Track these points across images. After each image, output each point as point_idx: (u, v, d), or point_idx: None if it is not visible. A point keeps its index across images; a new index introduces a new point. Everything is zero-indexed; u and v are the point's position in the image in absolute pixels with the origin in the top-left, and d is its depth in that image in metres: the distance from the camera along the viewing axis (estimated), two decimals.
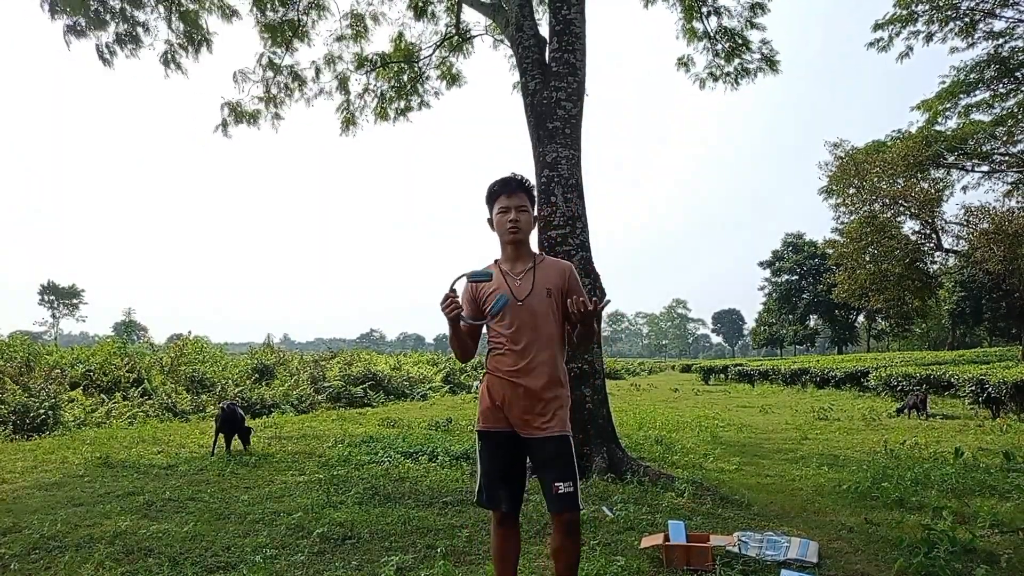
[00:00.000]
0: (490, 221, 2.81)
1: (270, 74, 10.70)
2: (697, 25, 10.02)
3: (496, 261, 2.83)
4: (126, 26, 9.20)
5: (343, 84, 11.19)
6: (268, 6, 10.10)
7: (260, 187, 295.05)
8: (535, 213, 2.81)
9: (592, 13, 6.93)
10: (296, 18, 10.34)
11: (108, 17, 9.03)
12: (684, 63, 10.45)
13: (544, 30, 7.12)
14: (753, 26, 9.71)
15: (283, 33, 10.30)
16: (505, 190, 2.73)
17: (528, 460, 2.73)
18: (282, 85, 10.85)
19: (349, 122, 11.41)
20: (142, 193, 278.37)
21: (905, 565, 3.59)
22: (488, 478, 2.70)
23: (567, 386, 2.73)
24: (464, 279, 2.68)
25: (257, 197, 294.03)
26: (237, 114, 10.73)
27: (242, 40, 11.69)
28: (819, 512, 4.97)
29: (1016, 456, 6.91)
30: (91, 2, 8.76)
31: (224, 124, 10.77)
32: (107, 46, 9.23)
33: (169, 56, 9.61)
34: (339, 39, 10.88)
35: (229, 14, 9.85)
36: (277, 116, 11.01)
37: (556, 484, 2.57)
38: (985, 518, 4.54)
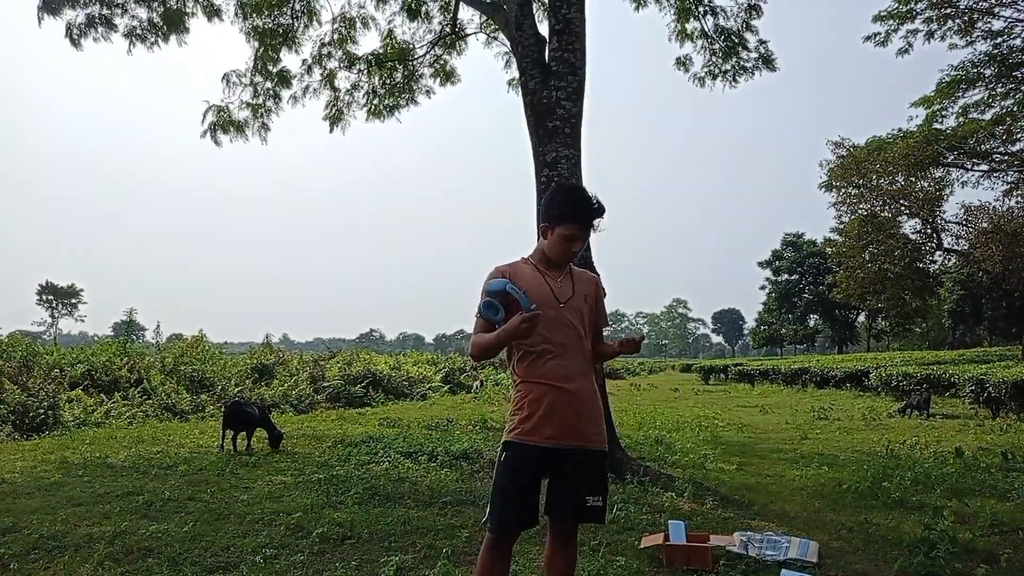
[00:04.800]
0: (545, 230, 2.60)
1: (259, 79, 10.50)
2: (694, 24, 10.02)
3: (525, 259, 2.67)
4: (100, 7, 8.94)
5: (330, 81, 11.01)
6: (255, 12, 9.93)
7: (258, 185, 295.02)
8: None
9: (593, 12, 6.93)
10: (289, 23, 10.23)
11: None
12: (683, 63, 10.45)
13: (544, 29, 7.11)
14: (749, 28, 9.72)
15: (273, 39, 10.18)
16: (583, 220, 2.53)
17: (552, 472, 2.50)
18: (271, 92, 10.65)
19: (337, 119, 11.27)
20: (142, 192, 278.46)
21: (905, 565, 3.60)
22: (509, 494, 2.47)
23: None
24: (508, 287, 2.45)
25: (256, 196, 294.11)
26: (224, 123, 10.50)
27: (240, 40, 11.59)
28: (819, 512, 4.97)
29: (1016, 456, 6.92)
30: None
31: (212, 129, 10.55)
32: (78, 27, 8.98)
33: (138, 32, 9.34)
34: (328, 43, 10.80)
35: (211, 13, 9.65)
36: (264, 127, 10.81)
37: (587, 496, 2.47)
38: (985, 518, 4.54)
